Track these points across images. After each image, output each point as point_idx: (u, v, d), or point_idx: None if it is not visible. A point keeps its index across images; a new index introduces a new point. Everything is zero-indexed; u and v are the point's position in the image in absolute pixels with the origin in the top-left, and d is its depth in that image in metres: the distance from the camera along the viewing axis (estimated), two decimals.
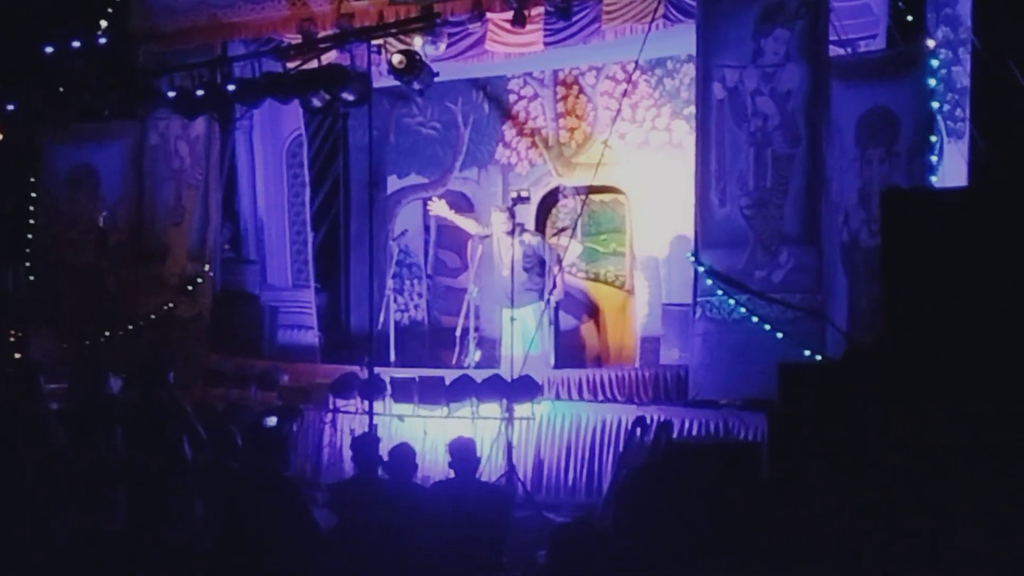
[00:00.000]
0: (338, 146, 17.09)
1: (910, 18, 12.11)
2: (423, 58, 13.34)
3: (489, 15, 13.97)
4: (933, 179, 11.35)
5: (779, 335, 11.72)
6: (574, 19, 13.64)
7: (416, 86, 13.51)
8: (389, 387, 13.12)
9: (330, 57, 13.91)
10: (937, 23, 12.21)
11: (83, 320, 15.59)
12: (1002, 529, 7.05)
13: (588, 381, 13.18)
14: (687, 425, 12.03)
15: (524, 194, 14.26)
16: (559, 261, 14.58)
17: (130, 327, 15.23)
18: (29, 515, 9.43)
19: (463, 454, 9.24)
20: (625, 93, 14.82)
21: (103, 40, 15.60)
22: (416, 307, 17.24)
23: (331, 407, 13.63)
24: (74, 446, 9.82)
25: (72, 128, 16.14)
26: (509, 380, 12.69)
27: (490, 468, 12.25)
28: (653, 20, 12.98)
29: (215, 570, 8.83)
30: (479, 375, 13.18)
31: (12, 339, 15.63)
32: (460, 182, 16.90)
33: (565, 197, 16.35)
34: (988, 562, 7.05)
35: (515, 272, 13.78)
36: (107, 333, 15.18)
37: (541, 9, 13.67)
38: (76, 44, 15.35)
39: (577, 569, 6.07)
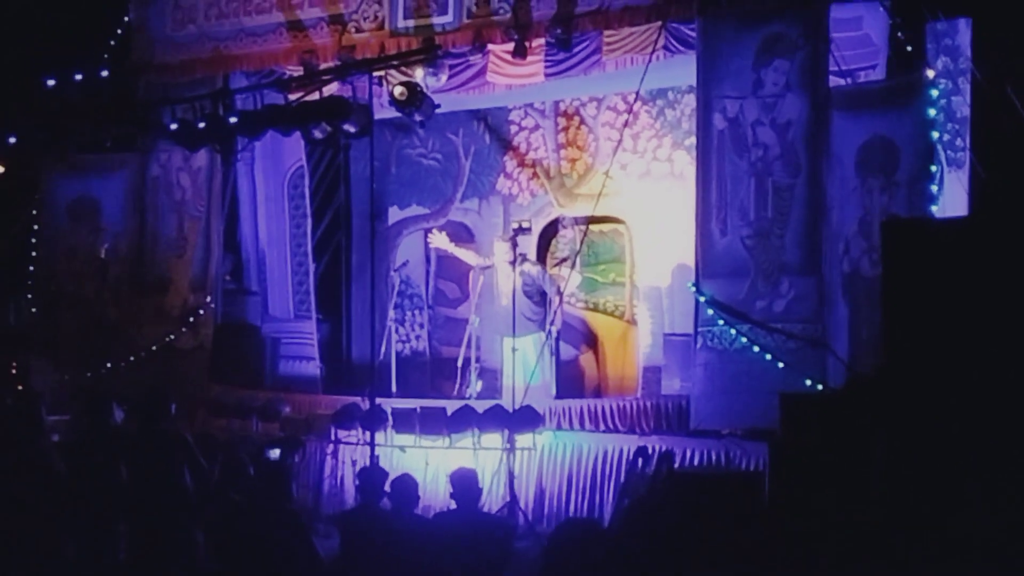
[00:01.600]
0: (339, 177, 17.14)
1: (910, 48, 12.16)
2: (424, 89, 13.38)
3: (490, 47, 14.01)
4: (933, 209, 11.36)
5: (780, 365, 11.72)
6: (575, 50, 13.67)
7: (417, 117, 13.54)
8: (391, 418, 13.12)
9: (332, 89, 13.96)
10: (937, 53, 12.24)
11: (84, 351, 15.60)
12: (1005, 557, 7.05)
13: (589, 411, 13.16)
14: (689, 455, 12.02)
15: (525, 225, 14.28)
16: (559, 292, 14.58)
17: (131, 358, 15.23)
18: (31, 547, 9.42)
19: (465, 485, 9.23)
20: (626, 124, 14.85)
21: (105, 72, 15.64)
22: (418, 338, 17.24)
23: (333, 438, 13.62)
24: (76, 477, 9.81)
25: (74, 160, 16.21)
26: (510, 410, 12.70)
27: (492, 499, 12.24)
28: (654, 51, 13.02)
29: None
30: (480, 406, 13.17)
31: (13, 370, 15.63)
32: (461, 213, 16.93)
33: (564, 227, 16.35)
34: None
35: (516, 302, 13.79)
36: (108, 364, 15.19)
37: (542, 41, 13.69)
38: (78, 76, 15.38)
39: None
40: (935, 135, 11.53)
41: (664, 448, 11.83)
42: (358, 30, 14.42)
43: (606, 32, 13.52)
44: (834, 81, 12.25)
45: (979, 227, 8.33)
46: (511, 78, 14.38)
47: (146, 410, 10.01)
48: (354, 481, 11.90)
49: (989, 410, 7.31)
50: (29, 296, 16.39)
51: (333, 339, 17.04)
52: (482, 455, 12.69)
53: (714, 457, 11.94)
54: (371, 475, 9.79)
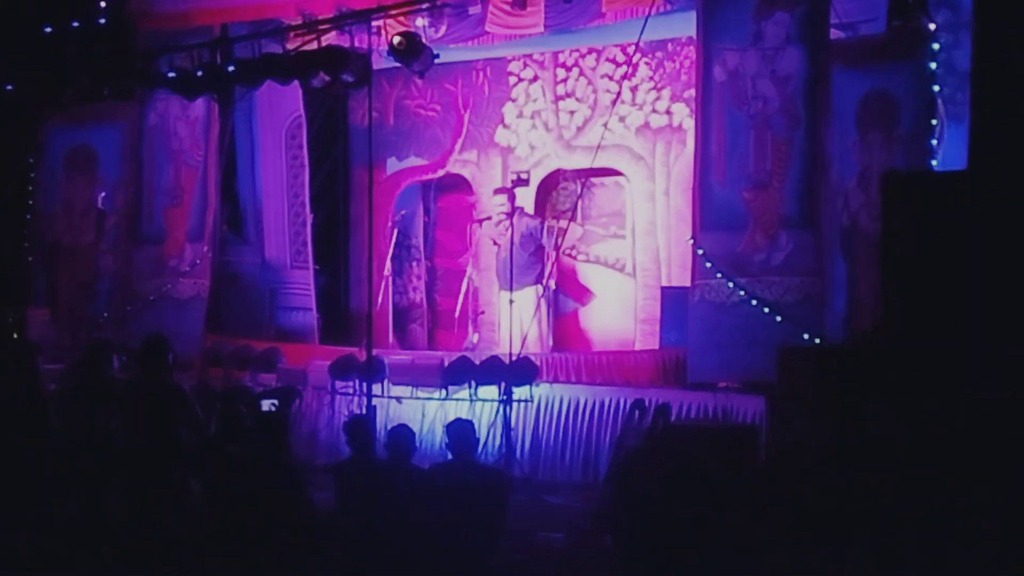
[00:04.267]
0: (337, 127, 17.07)
1: (911, 1, 12.09)
2: (423, 40, 13.31)
3: None
4: (933, 162, 11.34)
5: (778, 318, 11.73)
6: (575, 1, 13.59)
7: (416, 68, 13.46)
8: (387, 369, 13.12)
9: (330, 38, 13.87)
10: (938, 6, 12.18)
11: (82, 301, 15.59)
12: (1000, 516, 7.06)
13: (586, 363, 13.19)
14: (685, 408, 12.03)
15: (523, 176, 14.23)
16: (556, 245, 14.55)
17: (129, 308, 15.23)
18: (27, 497, 9.43)
19: (461, 436, 9.25)
20: (625, 76, 14.79)
21: (102, 21, 15.55)
22: (415, 289, 17.23)
23: (330, 389, 13.63)
24: (72, 427, 9.81)
25: (71, 109, 16.09)
26: (507, 362, 12.70)
27: (488, 450, 12.26)
28: (653, 3, 12.95)
29: (213, 552, 8.85)
30: (477, 357, 13.19)
31: (10, 320, 15.61)
32: (460, 164, 16.87)
33: (565, 180, 16.31)
34: (986, 549, 7.06)
35: (514, 255, 13.78)
36: (106, 314, 15.19)
37: None
38: (75, 24, 15.30)
39: None
40: (935, 89, 11.49)
41: (661, 401, 11.83)
42: None
43: None
44: (834, 34, 12.20)
45: (978, 181, 8.31)
46: (511, 29, 14.29)
47: (143, 360, 9.99)
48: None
49: (987, 364, 7.31)
50: (26, 246, 16.36)
51: (330, 290, 17.02)
52: (479, 407, 12.71)
53: (711, 410, 11.95)
54: (356, 426, 9.81)
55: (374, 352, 12.83)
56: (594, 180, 15.62)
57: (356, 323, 16.17)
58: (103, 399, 9.89)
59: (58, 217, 16.28)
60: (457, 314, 15.07)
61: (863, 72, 11.87)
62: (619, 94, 14.65)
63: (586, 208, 16.01)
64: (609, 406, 12.63)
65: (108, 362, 10.25)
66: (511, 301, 13.75)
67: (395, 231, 16.42)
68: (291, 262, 16.84)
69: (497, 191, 14.72)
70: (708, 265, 12.24)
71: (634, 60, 14.71)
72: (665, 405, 11.64)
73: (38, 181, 16.43)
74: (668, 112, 15.36)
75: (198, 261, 15.39)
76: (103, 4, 15.71)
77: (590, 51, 15.90)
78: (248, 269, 16.59)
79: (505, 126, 16.53)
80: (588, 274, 16.20)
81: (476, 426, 10.05)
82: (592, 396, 12.81)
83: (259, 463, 8.89)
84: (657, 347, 13.74)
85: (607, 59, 15.79)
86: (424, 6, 13.58)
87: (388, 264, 15.98)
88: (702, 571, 7.88)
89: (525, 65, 16.38)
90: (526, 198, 15.40)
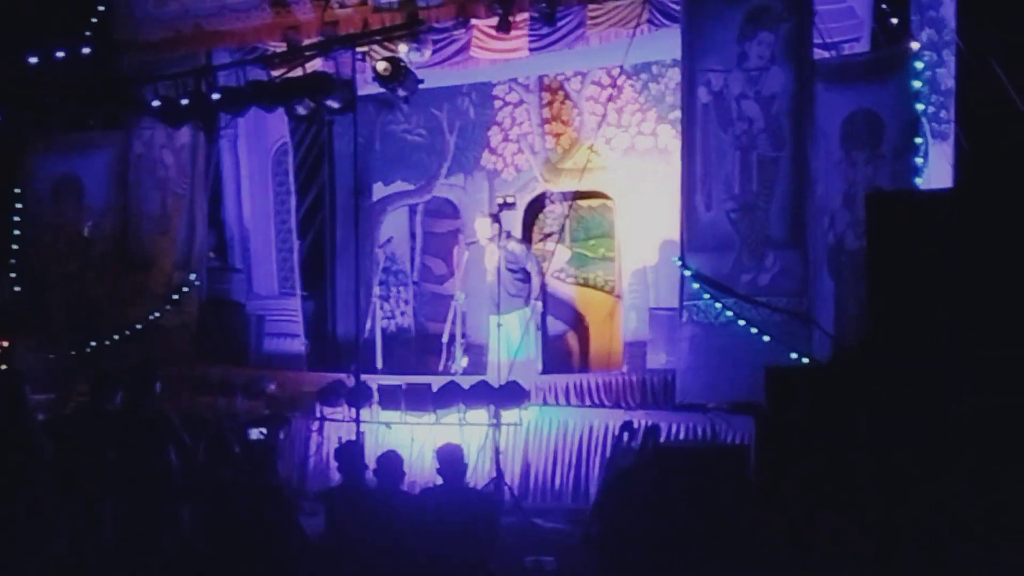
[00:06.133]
0: (323, 154, 17.08)
1: (894, 20, 12.15)
2: (408, 65, 13.32)
3: (474, 21, 13.97)
4: (918, 181, 11.37)
5: (766, 338, 11.72)
6: (559, 25, 13.62)
7: (401, 93, 13.48)
8: (376, 394, 13.10)
9: (315, 65, 13.89)
10: (921, 25, 12.24)
11: (69, 330, 15.54)
12: (989, 528, 7.05)
13: (575, 386, 13.17)
14: (674, 429, 12.03)
15: (510, 200, 14.24)
16: (541, 271, 14.53)
17: (116, 337, 15.18)
18: (17, 527, 9.39)
19: (451, 460, 9.22)
20: (610, 98, 14.83)
21: (87, 50, 15.55)
22: (403, 314, 17.21)
23: (318, 415, 13.60)
24: (61, 456, 9.78)
25: (56, 138, 16.14)
26: (496, 386, 12.69)
27: (478, 474, 12.24)
28: (638, 25, 12.99)
29: None
30: (466, 381, 13.17)
31: None
32: (446, 188, 16.89)
33: (552, 203, 16.33)
34: (977, 561, 7.05)
35: (501, 278, 13.77)
36: (93, 343, 15.14)
37: (526, 15, 13.66)
38: (60, 54, 15.30)
39: None
40: (920, 107, 11.53)
41: (650, 423, 11.84)
42: (341, 5, 14.37)
43: (590, 6, 13.48)
44: (818, 54, 12.24)
45: (963, 199, 8.33)
46: (495, 53, 14.32)
47: (131, 388, 9.97)
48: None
49: (972, 380, 7.32)
50: (13, 275, 16.32)
51: (318, 316, 17.01)
52: (468, 431, 12.68)
53: (700, 431, 11.95)
54: (347, 452, 9.79)
55: (362, 378, 12.82)
56: (581, 203, 15.63)
57: (344, 349, 16.15)
58: (92, 428, 9.87)
59: (45, 246, 16.25)
60: (445, 338, 15.04)
61: (847, 91, 11.91)
62: (604, 116, 14.68)
63: (573, 231, 16.02)
64: (598, 428, 12.63)
65: (113, 395, 10.19)
66: (499, 324, 13.74)
67: (382, 256, 16.42)
68: (278, 289, 16.80)
69: (483, 215, 14.71)
70: (696, 286, 12.24)
71: (619, 82, 14.75)
72: (654, 427, 11.65)
73: (24, 210, 16.40)
74: (654, 134, 15.40)
75: (185, 289, 15.36)
76: (88, 33, 15.72)
77: (575, 74, 15.94)
78: (235, 296, 16.55)
79: (491, 150, 16.56)
80: (576, 296, 16.21)
81: (465, 450, 10.02)
82: (581, 419, 12.81)
83: (247, 489, 8.87)
84: (646, 369, 13.74)
85: (592, 82, 15.83)
86: (409, 32, 13.59)
87: (376, 289, 15.97)
88: None
89: (510, 89, 16.42)
90: (513, 221, 15.41)
